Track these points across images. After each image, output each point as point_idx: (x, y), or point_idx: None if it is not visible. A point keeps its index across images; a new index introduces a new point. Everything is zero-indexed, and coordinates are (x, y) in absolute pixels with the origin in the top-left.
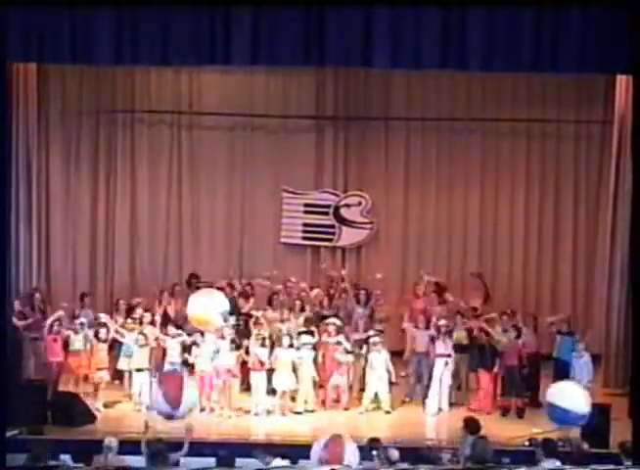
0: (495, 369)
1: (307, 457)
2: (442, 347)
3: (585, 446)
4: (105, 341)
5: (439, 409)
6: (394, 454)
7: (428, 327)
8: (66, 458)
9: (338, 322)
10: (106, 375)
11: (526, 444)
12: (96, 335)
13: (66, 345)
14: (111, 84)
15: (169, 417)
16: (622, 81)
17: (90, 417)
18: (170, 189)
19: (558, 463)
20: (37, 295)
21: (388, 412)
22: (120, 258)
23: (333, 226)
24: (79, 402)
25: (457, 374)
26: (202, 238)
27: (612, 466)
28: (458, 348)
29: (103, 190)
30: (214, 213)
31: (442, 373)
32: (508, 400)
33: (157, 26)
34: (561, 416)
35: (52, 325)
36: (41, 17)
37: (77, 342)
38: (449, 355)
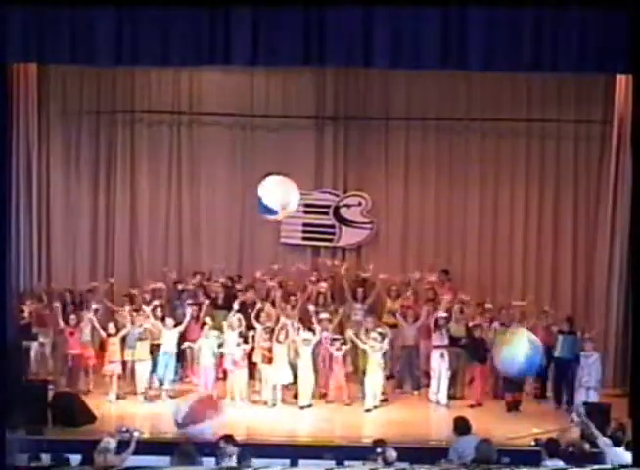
0: (488, 363)
1: (308, 457)
2: (439, 339)
3: (585, 446)
4: (114, 335)
5: (438, 402)
6: (392, 455)
7: (415, 321)
8: (65, 458)
9: (332, 318)
10: (118, 368)
11: (533, 443)
12: (104, 329)
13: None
14: (111, 84)
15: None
16: (622, 81)
17: (90, 417)
18: (170, 189)
19: (561, 463)
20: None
21: (367, 410)
22: (121, 257)
23: (333, 226)
24: (80, 403)
25: (451, 367)
26: (201, 238)
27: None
28: (455, 342)
29: (103, 190)
30: (214, 213)
31: (440, 365)
32: (511, 395)
33: (157, 26)
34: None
35: (68, 318)
36: (41, 17)
37: (86, 333)
38: (445, 347)
